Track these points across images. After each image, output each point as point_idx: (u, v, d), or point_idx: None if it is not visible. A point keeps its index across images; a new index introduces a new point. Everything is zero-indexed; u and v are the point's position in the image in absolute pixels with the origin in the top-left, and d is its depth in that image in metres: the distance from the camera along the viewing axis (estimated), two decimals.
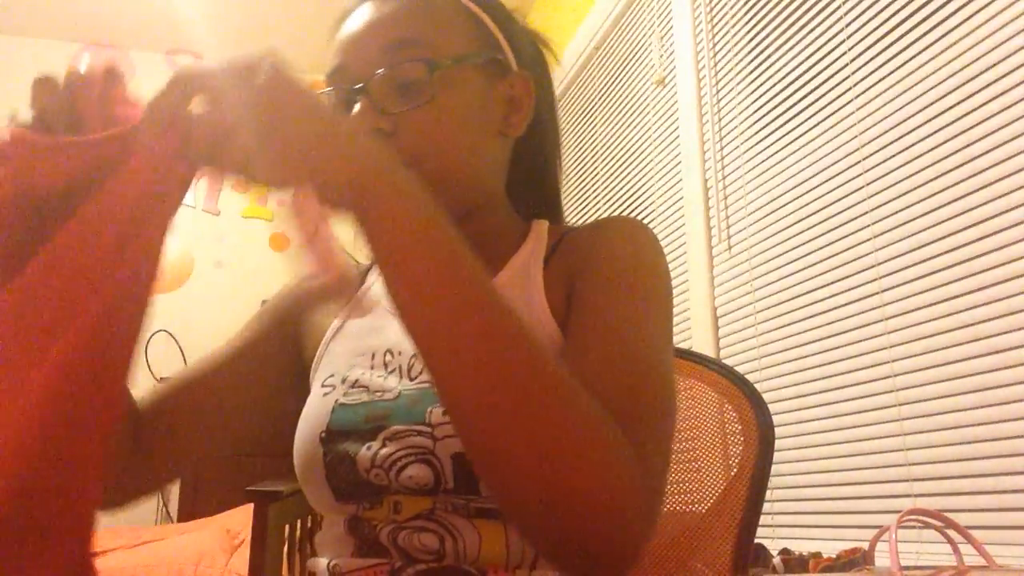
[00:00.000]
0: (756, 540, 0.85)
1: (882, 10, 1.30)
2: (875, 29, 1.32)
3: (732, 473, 0.86)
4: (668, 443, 0.56)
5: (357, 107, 0.62)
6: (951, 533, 0.83)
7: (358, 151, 0.46)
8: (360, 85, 0.62)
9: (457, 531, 0.58)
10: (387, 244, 0.46)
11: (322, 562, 0.62)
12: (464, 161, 0.65)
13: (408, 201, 0.47)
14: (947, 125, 1.16)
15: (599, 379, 0.52)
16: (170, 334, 3.28)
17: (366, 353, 0.68)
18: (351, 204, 0.46)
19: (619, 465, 0.46)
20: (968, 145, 1.12)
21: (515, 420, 0.44)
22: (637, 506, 0.47)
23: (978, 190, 1.10)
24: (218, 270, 3.51)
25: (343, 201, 0.45)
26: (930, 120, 1.19)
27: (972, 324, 1.09)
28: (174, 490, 2.82)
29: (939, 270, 1.15)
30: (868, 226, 1.29)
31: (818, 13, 1.47)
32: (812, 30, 1.48)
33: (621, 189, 2.24)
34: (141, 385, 0.58)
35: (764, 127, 1.61)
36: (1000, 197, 1.06)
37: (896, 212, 1.24)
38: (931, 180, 1.18)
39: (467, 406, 0.46)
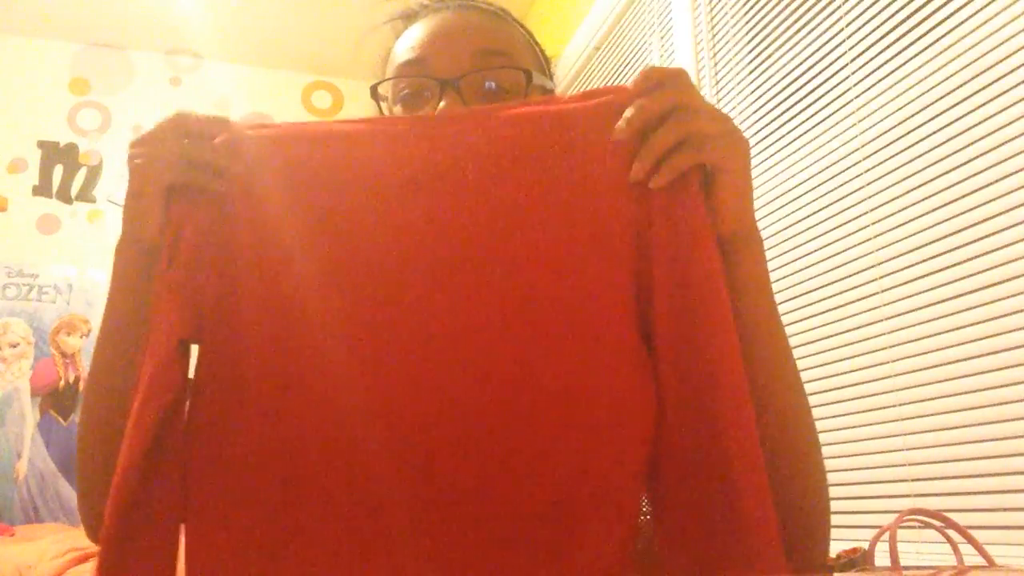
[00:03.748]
0: None
1: (882, 10, 1.30)
2: (875, 29, 1.32)
3: None
4: None
5: (443, 100, 0.67)
6: (951, 533, 0.83)
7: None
8: (450, 79, 0.67)
9: None
10: (760, 277, 0.62)
11: None
12: None
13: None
14: (947, 125, 1.16)
15: None
16: None
17: None
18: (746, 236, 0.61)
19: None
20: (968, 145, 1.12)
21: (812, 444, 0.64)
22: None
23: (978, 190, 1.10)
24: None
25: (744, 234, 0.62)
26: (930, 120, 1.19)
27: (972, 324, 1.09)
28: None
29: (939, 270, 1.15)
30: (868, 226, 1.29)
31: (818, 13, 1.47)
32: (812, 30, 1.48)
33: None
34: None
35: (764, 127, 1.61)
36: (1000, 197, 1.06)
37: (896, 212, 1.24)
38: (931, 180, 1.18)
39: (795, 413, 0.62)
